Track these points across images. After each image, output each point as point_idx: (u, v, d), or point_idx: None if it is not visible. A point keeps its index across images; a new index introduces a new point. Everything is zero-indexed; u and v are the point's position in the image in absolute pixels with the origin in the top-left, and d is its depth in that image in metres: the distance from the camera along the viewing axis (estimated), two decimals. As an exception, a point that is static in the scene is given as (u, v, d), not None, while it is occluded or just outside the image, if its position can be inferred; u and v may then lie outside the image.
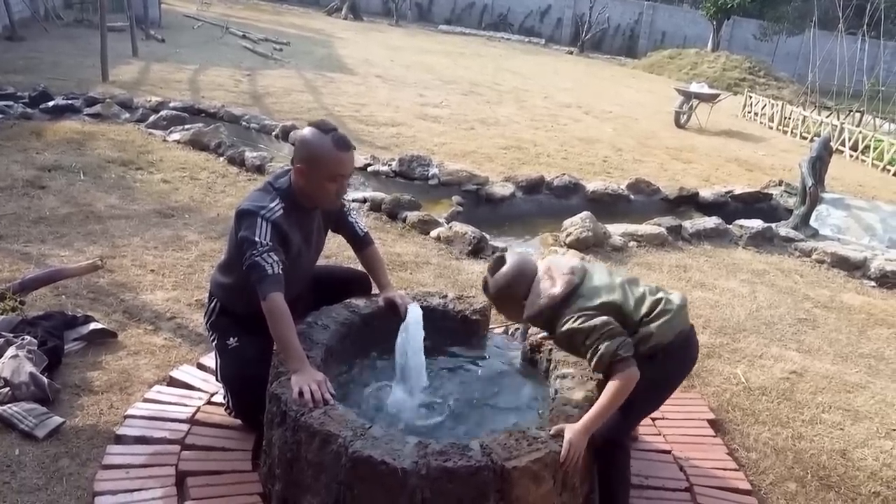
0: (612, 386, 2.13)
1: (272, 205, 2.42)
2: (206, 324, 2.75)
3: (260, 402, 2.37)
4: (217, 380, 2.70)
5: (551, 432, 2.09)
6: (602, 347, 2.13)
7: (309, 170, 2.42)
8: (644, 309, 2.26)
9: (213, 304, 2.70)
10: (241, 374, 2.53)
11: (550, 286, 2.26)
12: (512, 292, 2.31)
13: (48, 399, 2.66)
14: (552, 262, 2.35)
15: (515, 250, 4.87)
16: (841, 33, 13.48)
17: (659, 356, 2.26)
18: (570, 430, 2.08)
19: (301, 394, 2.12)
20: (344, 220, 2.80)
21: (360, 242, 2.85)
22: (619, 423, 2.25)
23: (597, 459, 2.30)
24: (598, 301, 2.22)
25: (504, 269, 2.32)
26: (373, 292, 2.90)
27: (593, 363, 2.17)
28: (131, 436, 2.52)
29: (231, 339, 2.59)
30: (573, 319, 2.18)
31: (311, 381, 2.16)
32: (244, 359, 2.54)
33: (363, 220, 2.88)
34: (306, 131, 2.47)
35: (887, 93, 12.99)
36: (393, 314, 2.60)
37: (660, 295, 2.32)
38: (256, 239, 2.33)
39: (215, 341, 2.67)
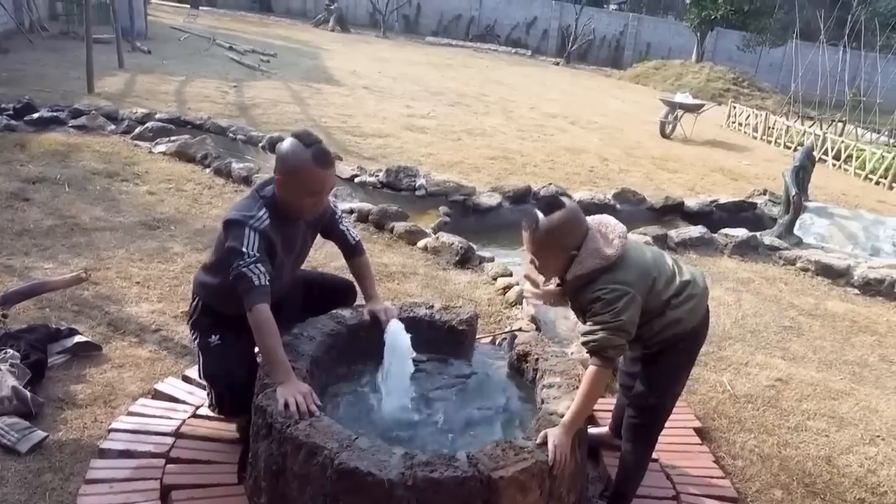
0: (587, 380, 2.14)
1: (260, 213, 2.40)
2: (189, 322, 2.73)
3: (242, 399, 2.36)
4: (200, 377, 2.68)
5: (537, 442, 2.09)
6: (600, 334, 2.10)
7: (287, 182, 2.39)
8: (673, 289, 2.25)
9: (195, 303, 2.68)
10: (223, 372, 2.51)
11: (604, 245, 2.16)
12: (563, 241, 2.16)
13: (31, 413, 2.63)
14: (601, 220, 2.27)
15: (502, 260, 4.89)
16: (823, 44, 13.68)
17: (687, 339, 2.31)
18: (552, 434, 2.09)
19: (286, 406, 2.12)
20: (335, 227, 2.77)
21: (351, 250, 2.82)
22: (656, 404, 2.35)
23: (626, 436, 2.42)
24: (634, 274, 2.16)
25: (562, 212, 2.13)
26: (358, 302, 2.90)
27: (584, 338, 2.15)
28: (115, 450, 2.49)
29: (213, 336, 2.57)
30: (608, 290, 2.12)
31: (297, 393, 2.15)
32: (226, 357, 2.53)
33: (355, 229, 2.86)
34: (288, 143, 2.42)
35: (868, 103, 13.17)
36: (376, 326, 2.60)
37: (686, 276, 2.31)
38: (244, 250, 2.31)
39: (197, 339, 2.64)
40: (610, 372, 2.17)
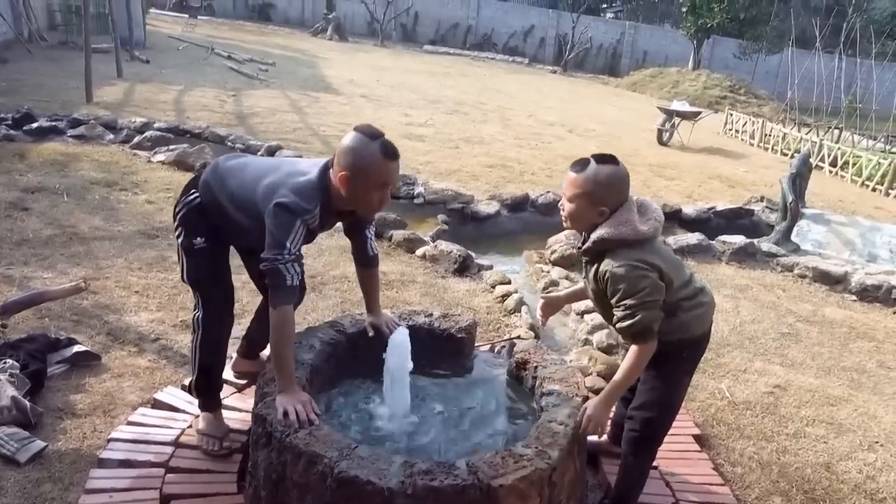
0: (631, 355, 2.18)
1: (316, 210, 2.29)
2: (176, 214, 2.58)
3: (225, 316, 2.41)
4: (183, 280, 2.57)
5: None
6: (639, 315, 2.11)
7: (354, 177, 2.26)
8: (686, 292, 2.28)
9: (192, 198, 2.54)
10: (209, 274, 2.48)
11: (639, 220, 2.17)
12: (603, 193, 2.17)
13: (30, 423, 2.63)
14: (643, 200, 2.29)
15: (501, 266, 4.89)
16: (818, 52, 13.75)
17: (691, 348, 2.35)
18: (590, 403, 2.19)
19: (286, 415, 2.12)
20: (362, 229, 2.70)
21: (367, 261, 2.76)
22: (658, 414, 2.37)
23: (627, 449, 2.43)
24: (659, 259, 2.18)
25: (613, 167, 2.18)
26: (360, 312, 2.90)
27: (622, 325, 2.15)
28: (115, 459, 2.49)
29: (198, 238, 2.49)
30: (630, 267, 2.12)
31: (297, 402, 2.15)
32: (213, 260, 2.52)
33: (376, 242, 2.80)
34: (352, 136, 2.30)
35: (864, 110, 13.24)
36: (378, 337, 2.61)
37: (699, 284, 2.35)
38: (287, 244, 2.22)
39: (181, 237, 2.53)
40: (655, 344, 2.18)
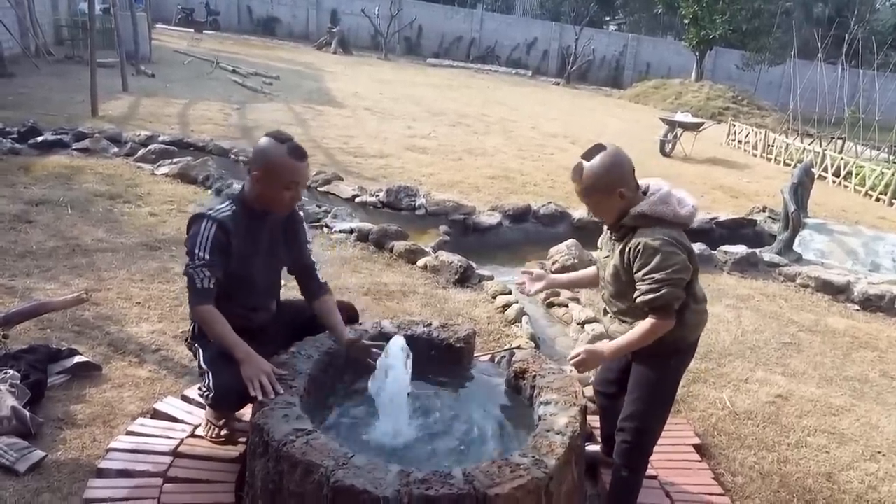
0: (646, 325, 2.21)
1: (221, 206, 2.56)
2: (188, 340, 2.77)
3: (237, 384, 2.37)
4: (199, 367, 2.62)
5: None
6: (665, 290, 2.15)
7: (265, 176, 2.50)
8: (696, 291, 2.34)
9: (193, 325, 2.71)
10: (223, 355, 2.50)
11: (679, 206, 2.26)
12: (608, 180, 2.21)
13: (30, 433, 2.64)
14: (680, 192, 2.35)
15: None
16: (821, 62, 13.77)
17: (681, 354, 2.39)
18: (590, 347, 2.28)
19: (252, 386, 2.28)
20: (304, 265, 2.78)
21: (315, 291, 2.77)
22: (649, 424, 2.39)
23: (620, 461, 2.42)
24: (690, 245, 2.27)
25: (602, 154, 2.22)
26: (359, 321, 2.90)
27: (645, 297, 2.18)
28: (113, 469, 2.50)
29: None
30: (665, 242, 2.17)
31: (261, 374, 2.32)
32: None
33: (320, 274, 2.85)
34: (263, 140, 2.55)
35: (867, 120, 13.24)
36: (365, 357, 2.59)
37: (704, 293, 2.42)
38: (195, 251, 2.46)
39: (197, 342, 2.66)
40: (672, 321, 2.21)
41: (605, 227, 2.43)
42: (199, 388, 2.65)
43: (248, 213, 2.57)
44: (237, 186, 2.65)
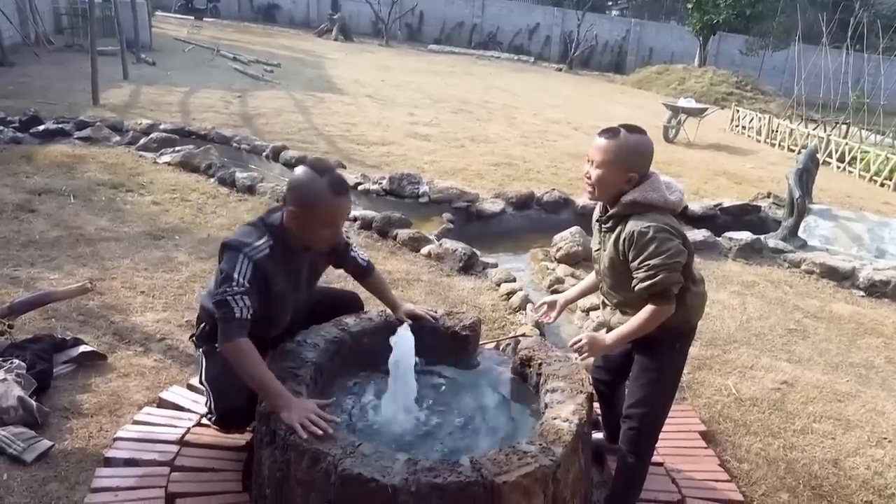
0: (647, 312, 2.21)
1: (258, 243, 2.29)
2: (194, 338, 2.71)
3: (241, 405, 2.35)
4: (200, 382, 2.63)
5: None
6: (662, 275, 2.15)
7: (302, 214, 2.26)
8: (694, 274, 2.33)
9: (202, 326, 2.66)
10: (226, 373, 2.42)
11: (668, 191, 2.26)
12: (631, 159, 2.23)
13: (37, 423, 2.64)
14: (668, 178, 2.35)
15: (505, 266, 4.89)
16: (825, 47, 13.66)
17: (683, 338, 2.39)
18: (594, 334, 2.28)
19: (304, 429, 2.02)
20: (347, 256, 2.72)
21: (364, 272, 2.78)
22: (656, 409, 2.39)
23: (627, 448, 2.42)
24: (683, 234, 2.26)
25: (641, 135, 2.26)
26: (365, 310, 2.90)
27: (642, 285, 2.18)
28: (120, 458, 2.50)
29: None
30: (658, 228, 2.17)
31: (304, 413, 2.06)
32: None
33: (362, 251, 2.81)
34: (300, 171, 2.29)
35: (872, 105, 13.14)
36: (380, 332, 2.60)
37: (700, 275, 2.42)
38: (235, 276, 2.21)
39: (202, 348, 2.62)
40: (673, 306, 2.21)
41: (594, 220, 2.43)
42: (206, 404, 2.62)
43: (286, 250, 2.35)
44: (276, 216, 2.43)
